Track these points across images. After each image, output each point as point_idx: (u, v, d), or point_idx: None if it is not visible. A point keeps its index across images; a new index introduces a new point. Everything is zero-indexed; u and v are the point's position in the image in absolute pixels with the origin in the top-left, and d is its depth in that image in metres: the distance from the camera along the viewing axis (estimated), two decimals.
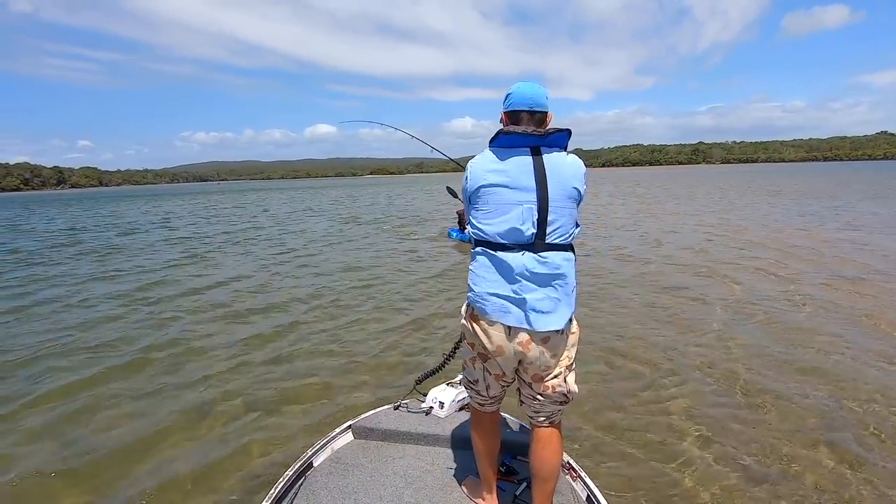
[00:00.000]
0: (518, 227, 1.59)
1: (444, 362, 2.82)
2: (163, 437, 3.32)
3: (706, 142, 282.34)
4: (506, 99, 1.75)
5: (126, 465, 3.04)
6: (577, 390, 1.76)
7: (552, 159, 1.63)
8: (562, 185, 1.61)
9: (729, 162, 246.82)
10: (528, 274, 1.59)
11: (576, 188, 1.64)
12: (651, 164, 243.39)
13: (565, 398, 1.74)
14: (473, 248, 1.73)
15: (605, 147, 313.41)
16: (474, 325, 1.70)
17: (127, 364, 4.54)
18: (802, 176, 50.11)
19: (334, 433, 2.48)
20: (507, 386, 1.84)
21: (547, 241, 1.61)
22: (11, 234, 18.81)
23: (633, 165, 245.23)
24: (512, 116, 1.70)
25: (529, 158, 1.62)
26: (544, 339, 1.63)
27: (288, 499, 2.01)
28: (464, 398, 2.72)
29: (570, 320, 1.67)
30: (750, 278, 6.95)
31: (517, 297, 1.59)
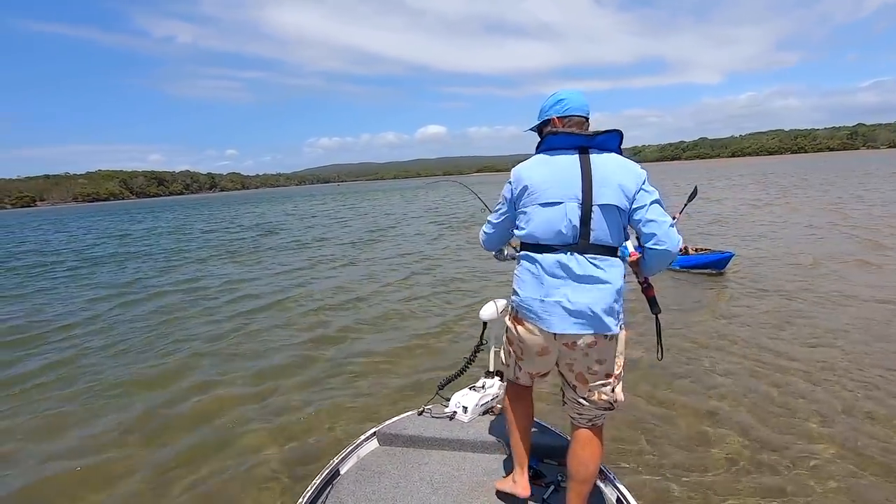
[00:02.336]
0: (560, 227, 1.59)
1: (466, 366, 2.84)
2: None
3: (867, 123, 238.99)
4: (553, 105, 1.76)
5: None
6: (623, 399, 1.75)
7: (600, 160, 1.62)
8: (609, 187, 1.57)
9: None
10: (571, 275, 1.57)
11: (624, 192, 1.58)
12: (794, 153, 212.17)
13: (610, 406, 1.73)
14: (518, 252, 1.74)
15: (736, 135, 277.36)
16: (518, 327, 1.71)
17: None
18: None
19: (359, 440, 2.48)
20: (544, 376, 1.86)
21: (591, 242, 1.58)
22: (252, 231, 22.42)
23: (770, 154, 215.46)
24: (554, 123, 1.74)
25: (576, 157, 1.62)
26: (590, 343, 1.60)
27: None
28: (487, 402, 2.74)
29: (618, 327, 1.61)
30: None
31: (560, 300, 1.58)
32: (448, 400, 2.76)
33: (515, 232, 1.73)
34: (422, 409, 2.74)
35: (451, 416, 2.65)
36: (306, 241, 16.05)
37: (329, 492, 2.12)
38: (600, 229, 1.58)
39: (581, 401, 1.73)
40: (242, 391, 4.42)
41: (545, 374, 1.85)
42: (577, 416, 1.78)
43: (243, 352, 5.45)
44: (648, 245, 1.62)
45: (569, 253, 1.58)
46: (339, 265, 10.84)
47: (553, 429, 2.52)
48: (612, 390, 1.71)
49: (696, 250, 8.17)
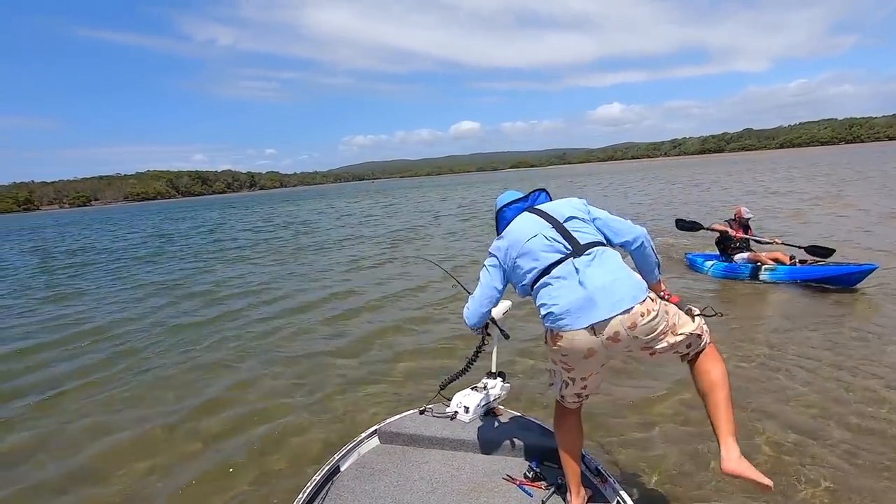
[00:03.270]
0: (552, 245, 1.85)
1: (468, 366, 2.84)
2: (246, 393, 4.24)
3: None
4: (497, 203, 2.16)
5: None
6: (703, 326, 1.87)
7: (546, 206, 2.02)
8: (564, 209, 1.96)
9: None
10: (583, 272, 1.76)
11: (577, 209, 1.97)
12: (849, 143, 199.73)
13: (692, 340, 1.83)
14: (532, 292, 1.91)
15: (784, 125, 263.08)
16: (558, 343, 1.81)
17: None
18: None
19: (360, 438, 2.49)
20: (590, 389, 1.97)
21: (583, 244, 1.85)
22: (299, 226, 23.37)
23: (823, 145, 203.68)
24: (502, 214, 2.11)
25: (527, 213, 2.01)
26: (629, 322, 1.70)
27: (315, 503, 2.02)
28: (488, 402, 2.75)
29: (644, 295, 1.75)
30: None
31: (584, 296, 1.73)
32: (449, 400, 2.78)
33: (520, 283, 1.94)
34: (423, 408, 2.76)
35: (453, 416, 2.65)
36: (338, 238, 16.43)
37: (329, 489, 2.13)
38: (580, 232, 1.88)
39: (663, 354, 1.83)
40: (276, 385, 4.64)
41: (591, 386, 1.95)
42: (675, 354, 1.87)
43: (282, 349, 5.64)
44: (620, 242, 1.95)
45: (570, 258, 1.82)
46: (377, 264, 10.99)
47: (553, 431, 2.51)
48: (676, 338, 1.79)
49: (804, 262, 6.56)
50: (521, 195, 2.13)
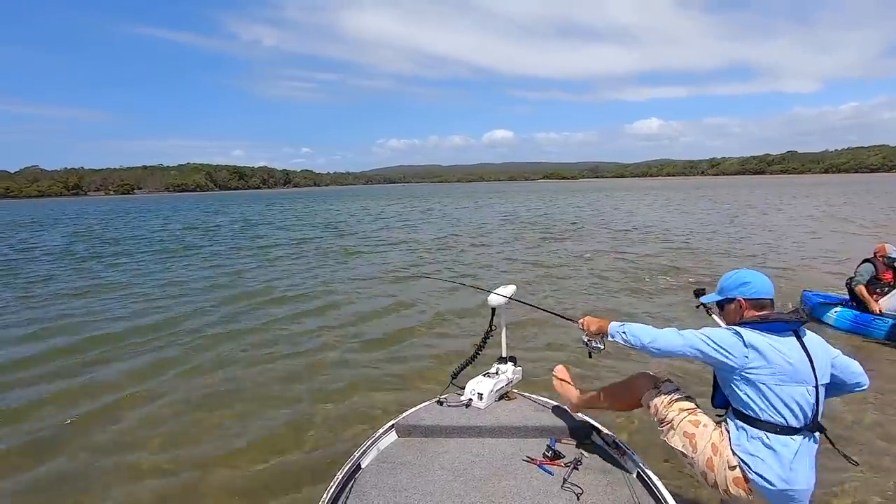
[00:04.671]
0: (802, 409, 1.82)
1: (477, 353, 2.87)
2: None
3: None
4: (738, 286, 2.00)
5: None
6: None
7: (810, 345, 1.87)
8: (822, 368, 1.86)
9: None
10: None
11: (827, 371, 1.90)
12: None
13: None
14: (730, 414, 1.96)
15: (832, 149, 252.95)
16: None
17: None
18: None
19: (378, 433, 2.50)
20: None
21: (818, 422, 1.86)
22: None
23: (871, 172, 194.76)
24: (756, 304, 1.97)
25: (795, 342, 1.86)
26: None
27: (340, 502, 2.02)
28: (501, 387, 2.74)
29: None
30: None
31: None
32: (463, 388, 2.78)
33: (727, 395, 1.95)
34: (437, 398, 2.76)
35: (468, 404, 2.67)
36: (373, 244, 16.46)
37: (352, 486, 2.12)
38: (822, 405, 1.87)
39: None
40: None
41: None
42: None
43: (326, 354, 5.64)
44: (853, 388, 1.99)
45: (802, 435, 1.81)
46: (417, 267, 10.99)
47: (568, 409, 2.54)
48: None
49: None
50: (770, 295, 1.98)
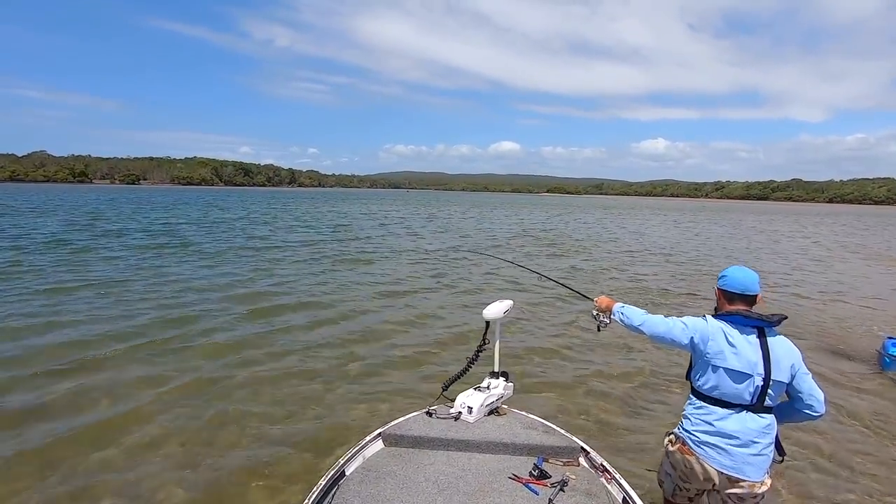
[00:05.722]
0: (746, 389, 2.09)
1: (469, 366, 2.85)
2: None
3: None
4: (721, 277, 2.21)
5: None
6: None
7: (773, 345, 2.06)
8: (779, 366, 2.04)
9: None
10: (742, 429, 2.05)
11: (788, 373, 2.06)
12: None
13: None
14: (694, 393, 2.19)
15: (836, 179, 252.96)
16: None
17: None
18: None
19: (364, 441, 2.47)
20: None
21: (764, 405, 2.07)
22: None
23: (876, 203, 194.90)
24: (727, 296, 2.16)
25: (755, 340, 2.06)
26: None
27: None
28: (492, 402, 2.69)
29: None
30: None
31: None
32: (453, 401, 2.74)
33: (695, 373, 2.18)
34: (426, 409, 2.72)
35: (457, 417, 2.63)
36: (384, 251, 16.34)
37: (335, 493, 2.09)
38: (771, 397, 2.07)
39: None
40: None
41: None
42: None
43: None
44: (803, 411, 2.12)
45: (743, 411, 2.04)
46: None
47: (558, 429, 2.51)
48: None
49: None
50: (755, 292, 2.12)
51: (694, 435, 2.08)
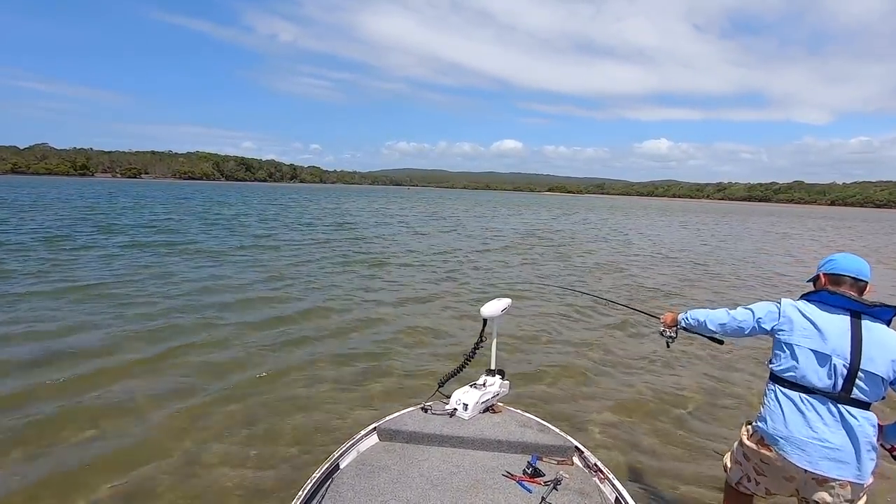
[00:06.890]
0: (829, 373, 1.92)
1: (465, 363, 2.87)
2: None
3: None
4: (826, 263, 2.09)
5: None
6: None
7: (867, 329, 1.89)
8: (870, 357, 1.86)
9: None
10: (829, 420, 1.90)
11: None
12: None
13: None
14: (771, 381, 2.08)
15: (838, 182, 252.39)
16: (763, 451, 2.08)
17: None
18: None
19: (360, 435, 2.49)
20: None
21: (851, 397, 1.88)
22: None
23: (878, 207, 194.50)
24: (833, 279, 2.02)
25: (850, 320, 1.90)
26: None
27: (315, 501, 2.01)
28: (487, 400, 2.72)
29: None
30: None
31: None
32: (448, 397, 2.77)
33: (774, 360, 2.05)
34: (422, 405, 2.74)
35: (452, 413, 2.65)
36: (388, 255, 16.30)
37: (329, 486, 2.11)
38: (862, 388, 1.85)
39: None
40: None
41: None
42: None
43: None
44: None
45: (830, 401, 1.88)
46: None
47: (553, 427, 2.52)
48: None
49: None
50: (867, 278, 1.99)
51: (770, 425, 1.96)
